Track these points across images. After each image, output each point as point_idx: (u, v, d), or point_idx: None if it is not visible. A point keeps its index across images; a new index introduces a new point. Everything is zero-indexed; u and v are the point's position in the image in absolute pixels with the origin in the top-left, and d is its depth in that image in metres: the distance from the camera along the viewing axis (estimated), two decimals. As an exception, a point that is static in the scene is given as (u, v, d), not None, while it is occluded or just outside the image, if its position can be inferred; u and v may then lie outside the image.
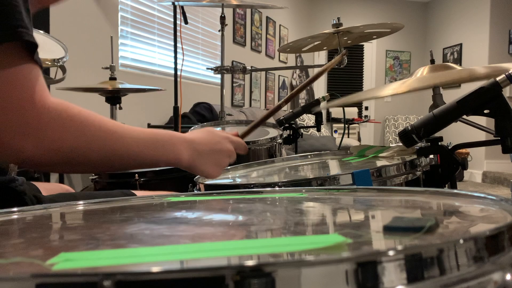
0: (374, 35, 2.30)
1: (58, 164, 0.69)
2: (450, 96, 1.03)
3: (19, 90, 0.63)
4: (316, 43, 2.23)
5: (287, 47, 2.35)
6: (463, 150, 6.04)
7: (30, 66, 0.65)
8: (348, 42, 2.22)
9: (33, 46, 0.65)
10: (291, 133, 2.06)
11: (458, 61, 7.27)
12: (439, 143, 0.98)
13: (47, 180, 2.45)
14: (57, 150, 0.67)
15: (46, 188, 1.09)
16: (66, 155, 0.68)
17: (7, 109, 0.62)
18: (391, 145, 1.33)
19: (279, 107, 1.03)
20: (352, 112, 7.71)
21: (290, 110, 1.99)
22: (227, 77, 5.13)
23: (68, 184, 2.86)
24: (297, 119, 2.19)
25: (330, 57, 7.58)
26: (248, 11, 5.73)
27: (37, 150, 0.65)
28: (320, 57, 7.87)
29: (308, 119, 6.03)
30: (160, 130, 0.82)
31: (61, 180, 2.74)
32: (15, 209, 0.64)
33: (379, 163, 1.18)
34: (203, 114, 3.97)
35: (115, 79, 2.28)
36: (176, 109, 2.59)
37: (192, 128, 2.00)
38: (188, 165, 0.83)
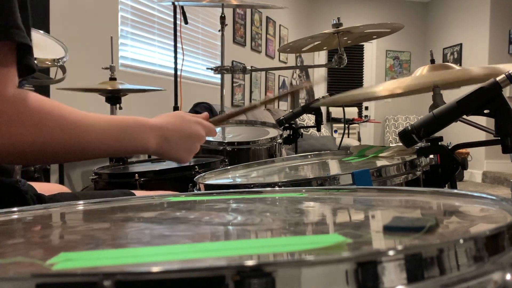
0: (374, 35, 2.30)
1: (18, 158, 0.70)
2: (450, 96, 1.03)
3: None
4: (316, 43, 2.23)
5: (287, 47, 2.35)
6: (463, 150, 6.04)
7: None
8: (348, 42, 2.22)
9: (26, 47, 0.66)
10: (291, 133, 2.07)
11: (458, 61, 7.27)
12: (439, 143, 0.98)
13: (47, 180, 2.45)
14: (15, 144, 0.66)
15: (44, 188, 1.09)
16: (25, 149, 0.68)
17: None
18: (391, 145, 1.33)
19: (255, 107, 1.08)
20: (352, 112, 7.71)
21: (290, 110, 1.99)
22: (227, 77, 5.13)
23: (68, 184, 2.86)
24: (297, 119, 2.19)
25: (330, 57, 7.58)
26: (248, 11, 5.73)
27: None
28: (320, 57, 7.87)
29: (308, 119, 6.03)
30: (128, 118, 0.81)
31: (61, 181, 2.74)
32: (15, 209, 0.64)
33: (379, 163, 1.17)
34: (203, 114, 3.96)
35: (115, 79, 2.28)
36: (176, 109, 2.60)
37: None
38: (156, 152, 0.83)
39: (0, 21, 0.64)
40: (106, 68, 2.32)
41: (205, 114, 0.99)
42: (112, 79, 2.27)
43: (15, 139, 0.66)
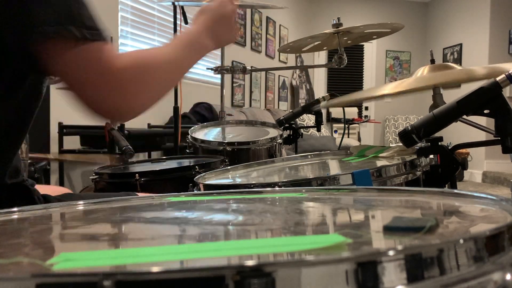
0: (374, 35, 2.30)
1: (153, 99, 0.89)
2: (450, 96, 1.03)
3: (96, 66, 0.77)
4: (316, 43, 2.23)
5: (287, 47, 2.35)
6: (463, 150, 6.04)
7: (100, 44, 0.78)
8: (348, 42, 2.21)
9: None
10: (291, 133, 2.07)
11: (458, 61, 7.27)
12: (439, 143, 0.98)
13: (47, 181, 2.45)
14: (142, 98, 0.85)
15: (46, 191, 1.09)
16: (158, 90, 0.88)
17: (95, 80, 0.78)
18: (391, 145, 1.33)
19: None
20: (352, 112, 7.71)
21: (290, 110, 1.99)
22: (227, 77, 5.13)
23: (68, 184, 2.86)
24: (297, 119, 2.19)
25: (330, 57, 7.58)
26: (248, 11, 5.73)
27: (128, 106, 0.83)
28: (320, 57, 7.87)
29: (308, 119, 6.03)
30: (188, 36, 0.99)
31: (61, 181, 2.74)
32: (15, 209, 0.64)
33: (379, 163, 1.18)
34: (203, 114, 3.97)
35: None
36: (176, 109, 2.59)
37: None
38: (212, 45, 1.01)
39: (93, 23, 0.78)
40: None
41: None
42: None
43: (141, 95, 0.84)
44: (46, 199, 0.97)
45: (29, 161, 1.06)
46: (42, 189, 1.05)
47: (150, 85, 0.85)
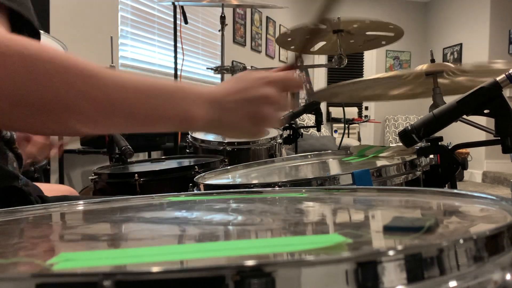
0: (379, 39, 2.29)
1: (8, 110, 0.53)
2: (450, 96, 1.03)
3: None
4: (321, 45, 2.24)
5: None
6: (463, 150, 6.04)
7: None
8: (351, 41, 2.21)
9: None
10: (291, 133, 2.07)
11: (458, 61, 7.27)
12: (439, 143, 0.98)
13: (47, 180, 2.45)
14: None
15: (48, 189, 1.09)
16: (13, 95, 0.52)
17: None
18: (391, 145, 1.33)
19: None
20: (352, 112, 7.71)
21: (290, 110, 1.99)
22: (227, 77, 5.13)
23: (67, 184, 2.86)
24: (297, 119, 2.19)
25: (330, 57, 7.58)
26: (248, 11, 5.73)
27: None
28: (320, 57, 7.86)
29: (308, 119, 6.03)
30: (168, 81, 0.63)
31: (61, 181, 2.74)
32: (15, 209, 0.64)
33: (379, 163, 1.17)
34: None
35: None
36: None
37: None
38: (207, 123, 0.62)
39: None
40: (106, 68, 2.31)
41: (281, 67, 0.73)
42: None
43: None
44: (44, 201, 0.96)
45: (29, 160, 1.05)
46: (46, 187, 1.04)
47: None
